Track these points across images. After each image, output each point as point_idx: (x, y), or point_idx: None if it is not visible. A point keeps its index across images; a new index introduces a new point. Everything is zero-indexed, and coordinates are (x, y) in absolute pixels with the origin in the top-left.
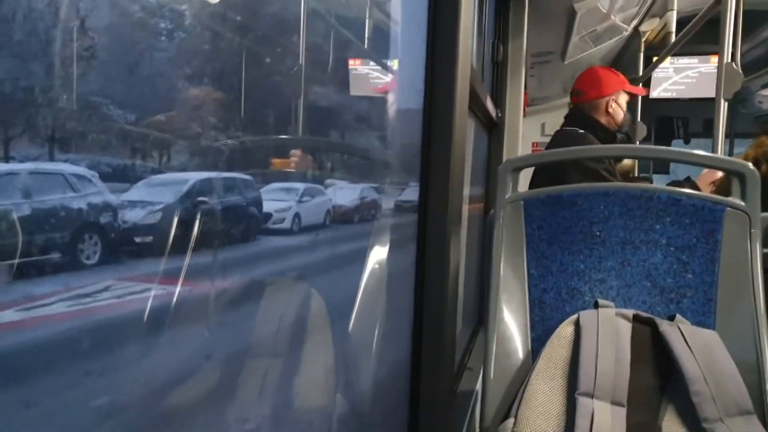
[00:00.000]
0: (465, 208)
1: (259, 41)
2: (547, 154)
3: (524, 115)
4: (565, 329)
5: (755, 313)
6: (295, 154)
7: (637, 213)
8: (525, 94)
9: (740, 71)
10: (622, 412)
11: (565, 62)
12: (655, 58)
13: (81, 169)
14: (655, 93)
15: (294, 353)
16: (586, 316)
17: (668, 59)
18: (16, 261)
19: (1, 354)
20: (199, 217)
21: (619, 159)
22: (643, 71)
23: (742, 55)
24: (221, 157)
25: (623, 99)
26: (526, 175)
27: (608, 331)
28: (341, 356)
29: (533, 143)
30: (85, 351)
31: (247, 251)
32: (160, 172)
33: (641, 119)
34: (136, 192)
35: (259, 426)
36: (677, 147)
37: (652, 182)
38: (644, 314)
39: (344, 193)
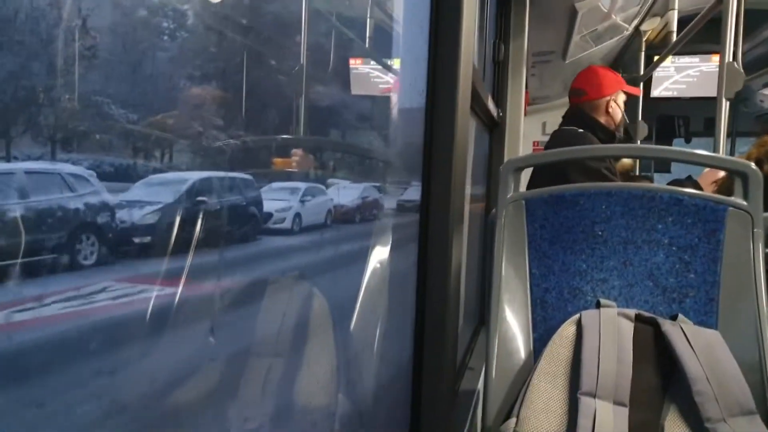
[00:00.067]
0: (466, 208)
1: (260, 40)
2: (549, 153)
3: (525, 115)
4: (567, 329)
5: (758, 312)
6: (297, 153)
7: (639, 213)
8: (526, 93)
9: (742, 70)
10: (625, 411)
11: (566, 61)
12: (656, 58)
13: (78, 169)
14: (657, 92)
15: (294, 354)
16: (588, 315)
17: (669, 58)
18: (11, 262)
19: None
20: (198, 217)
21: (618, 158)
22: (644, 70)
23: (743, 54)
24: (222, 156)
25: (621, 99)
26: (525, 175)
27: (610, 330)
28: (343, 356)
29: (534, 142)
30: (79, 354)
31: (247, 251)
32: (160, 171)
33: (642, 118)
34: (135, 192)
35: (261, 426)
36: (678, 146)
37: (653, 181)
38: (646, 314)
39: (346, 193)
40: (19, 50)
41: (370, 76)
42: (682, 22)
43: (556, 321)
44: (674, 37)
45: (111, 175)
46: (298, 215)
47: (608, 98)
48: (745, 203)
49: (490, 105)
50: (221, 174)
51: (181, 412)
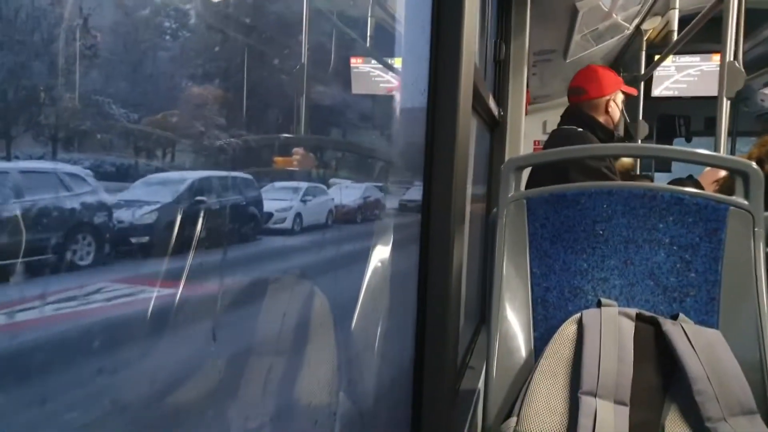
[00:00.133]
0: (468, 207)
1: (260, 39)
2: (550, 152)
3: (526, 114)
4: (568, 328)
5: (758, 312)
6: (297, 152)
7: (640, 212)
8: (527, 92)
9: (742, 69)
10: (625, 411)
11: (567, 61)
12: (656, 57)
13: (75, 168)
14: (657, 91)
15: (295, 355)
16: (589, 315)
17: (670, 57)
18: (4, 262)
19: None
20: (197, 217)
21: (618, 157)
22: (644, 70)
23: (744, 54)
24: (223, 155)
25: (620, 99)
26: (524, 174)
27: (611, 330)
28: (344, 356)
29: (535, 141)
30: (72, 356)
31: (246, 251)
32: (161, 170)
33: (643, 118)
34: (134, 191)
35: (262, 425)
36: (679, 145)
37: (653, 180)
38: (647, 313)
39: (347, 193)
40: (19, 49)
41: (371, 75)
42: (683, 21)
43: (557, 320)
44: (675, 37)
45: (111, 175)
46: (298, 215)
47: (608, 97)
48: (746, 203)
49: (492, 104)
50: (221, 173)
51: (178, 416)
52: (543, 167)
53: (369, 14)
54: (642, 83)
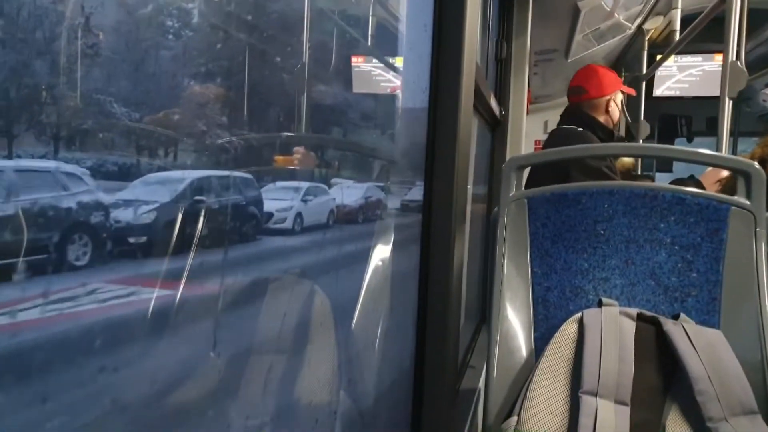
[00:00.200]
0: (469, 206)
1: (262, 38)
2: (551, 152)
3: (527, 113)
4: (569, 328)
5: (760, 312)
6: (298, 151)
7: (641, 212)
8: (528, 91)
9: (745, 70)
10: (626, 411)
11: (569, 60)
12: (658, 57)
13: (72, 167)
14: (659, 91)
15: (296, 354)
16: (590, 314)
17: (672, 57)
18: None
19: None
20: (195, 216)
21: (617, 157)
22: (646, 70)
23: (746, 54)
24: (223, 155)
25: (619, 98)
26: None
27: (612, 329)
28: (345, 356)
29: (536, 141)
30: (62, 360)
31: (246, 251)
32: (162, 169)
33: (644, 118)
34: (132, 191)
35: (262, 424)
36: (681, 145)
37: (654, 180)
38: (648, 313)
39: (348, 193)
40: (21, 48)
41: (372, 74)
42: (685, 21)
43: (558, 320)
44: (677, 36)
45: (110, 174)
46: (299, 215)
47: (608, 97)
48: (748, 202)
49: (493, 103)
50: (220, 173)
51: (177, 419)
52: (543, 167)
53: (370, 13)
54: (644, 83)
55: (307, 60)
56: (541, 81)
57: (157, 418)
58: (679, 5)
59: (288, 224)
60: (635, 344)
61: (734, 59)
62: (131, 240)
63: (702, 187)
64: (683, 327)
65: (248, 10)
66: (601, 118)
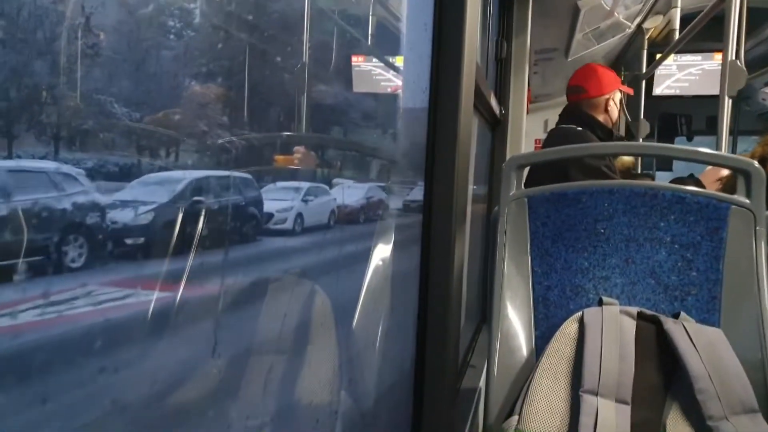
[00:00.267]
0: (469, 206)
1: (262, 38)
2: (551, 151)
3: (527, 112)
4: (569, 327)
5: (760, 310)
6: (299, 151)
7: (641, 210)
8: (528, 91)
9: (744, 68)
10: (627, 409)
11: (569, 59)
12: (658, 56)
13: (67, 167)
14: (659, 90)
15: (296, 355)
16: (591, 313)
17: (672, 56)
18: None
19: None
20: (194, 217)
21: (616, 156)
22: (646, 68)
23: (745, 53)
24: (224, 154)
25: (618, 98)
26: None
27: (612, 328)
28: (345, 356)
29: (536, 140)
30: (60, 362)
31: (246, 252)
32: (163, 169)
33: (644, 117)
34: (130, 191)
35: (263, 425)
36: (680, 144)
37: (654, 179)
38: (648, 312)
39: (350, 193)
40: (21, 48)
41: (373, 73)
42: (685, 20)
43: (558, 319)
44: (677, 35)
45: (108, 174)
46: (299, 215)
47: (607, 96)
48: (747, 201)
49: (493, 103)
50: (219, 173)
51: (176, 419)
52: (542, 166)
53: (370, 12)
54: (643, 82)
55: (307, 60)
56: (541, 80)
57: (156, 419)
58: (679, 4)
59: (288, 225)
60: (636, 343)
61: (734, 58)
62: (128, 241)
63: (702, 186)
64: (683, 326)
65: (249, 9)
66: (600, 117)
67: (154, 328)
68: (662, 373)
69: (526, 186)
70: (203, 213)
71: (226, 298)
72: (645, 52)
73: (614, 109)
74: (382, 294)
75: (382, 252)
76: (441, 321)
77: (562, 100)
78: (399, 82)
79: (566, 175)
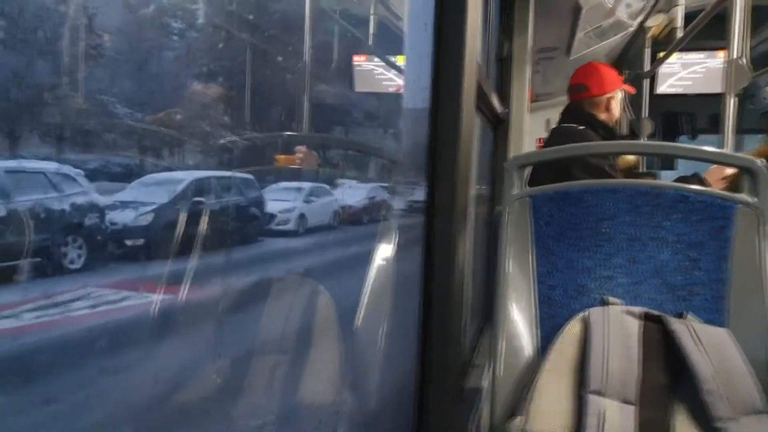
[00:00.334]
0: (471, 205)
1: (263, 38)
2: (554, 150)
3: (529, 111)
4: (574, 326)
5: (767, 310)
6: (300, 150)
7: (645, 210)
8: (530, 90)
9: (748, 66)
10: (632, 410)
11: (570, 58)
12: (661, 54)
13: (65, 168)
14: (662, 89)
15: (299, 356)
16: (595, 313)
17: (675, 54)
18: None
19: None
20: (194, 218)
21: (618, 155)
22: (649, 67)
23: (749, 50)
24: (226, 155)
25: (620, 96)
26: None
27: (617, 328)
28: (349, 356)
29: (538, 139)
30: (53, 366)
31: (248, 253)
32: (160, 170)
33: (647, 115)
34: (130, 192)
35: (266, 423)
36: (684, 143)
37: (658, 178)
38: (654, 312)
39: (352, 193)
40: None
41: (374, 72)
42: (688, 17)
43: (562, 318)
44: (679, 33)
45: (111, 175)
46: (302, 216)
47: (609, 95)
48: (753, 200)
49: (495, 102)
50: (220, 173)
51: (176, 421)
52: (543, 165)
53: (371, 12)
54: (646, 80)
55: (308, 59)
56: (542, 79)
57: (156, 421)
58: (682, 2)
59: (291, 226)
60: (641, 343)
61: (737, 56)
62: (127, 242)
63: (706, 185)
64: (689, 326)
65: (250, 10)
66: (602, 116)
67: (154, 330)
68: (668, 374)
69: (528, 185)
70: (203, 214)
71: (227, 299)
72: (647, 50)
73: (616, 108)
74: (386, 294)
75: (385, 252)
76: (444, 321)
77: (564, 99)
78: (401, 82)
79: (568, 175)
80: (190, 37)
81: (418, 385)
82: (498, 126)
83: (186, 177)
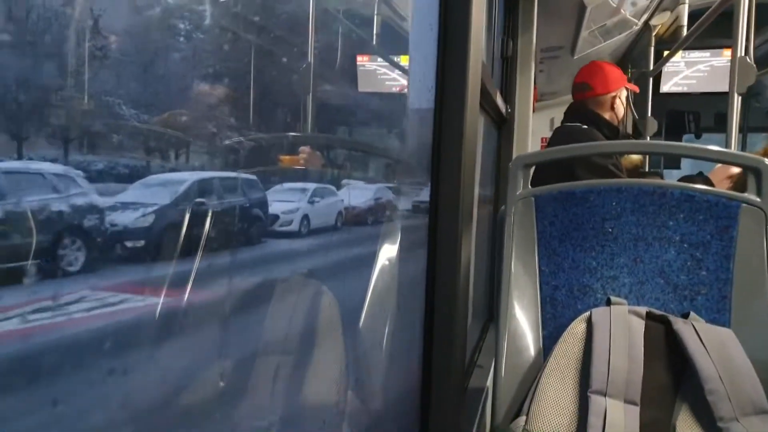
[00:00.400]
0: (475, 205)
1: (268, 38)
2: (558, 150)
3: (533, 111)
4: (577, 326)
5: None
6: (304, 150)
7: (649, 209)
8: (534, 89)
9: (754, 65)
10: (636, 410)
11: (575, 57)
12: (665, 52)
13: (64, 169)
14: (666, 87)
15: (302, 357)
16: (599, 313)
17: (679, 53)
18: None
19: None
20: (197, 219)
21: (623, 154)
22: (653, 66)
23: (755, 49)
24: (231, 155)
25: (624, 95)
26: None
27: (621, 328)
28: (352, 356)
29: (543, 138)
30: (52, 371)
31: (252, 254)
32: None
33: (652, 114)
34: (131, 193)
35: (270, 425)
36: (689, 142)
37: (662, 177)
38: (658, 312)
39: (357, 194)
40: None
41: (378, 73)
42: (693, 16)
43: (566, 318)
44: (684, 32)
45: (112, 175)
46: (306, 217)
47: (613, 94)
48: (758, 200)
49: (499, 101)
50: (223, 174)
51: (178, 421)
52: (547, 165)
53: (375, 12)
54: (651, 79)
55: (312, 59)
56: (547, 78)
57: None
58: (687, 0)
59: (294, 227)
60: (645, 343)
61: (743, 54)
62: (128, 244)
63: (711, 185)
64: (693, 326)
65: (256, 11)
66: (606, 115)
67: (154, 333)
68: (672, 374)
69: (532, 185)
70: (206, 215)
71: (231, 301)
72: (652, 49)
73: (620, 107)
74: (390, 295)
75: (389, 253)
76: (448, 320)
77: (568, 98)
78: (404, 82)
79: (572, 174)
80: (196, 38)
81: (422, 384)
82: (502, 125)
83: (188, 178)
